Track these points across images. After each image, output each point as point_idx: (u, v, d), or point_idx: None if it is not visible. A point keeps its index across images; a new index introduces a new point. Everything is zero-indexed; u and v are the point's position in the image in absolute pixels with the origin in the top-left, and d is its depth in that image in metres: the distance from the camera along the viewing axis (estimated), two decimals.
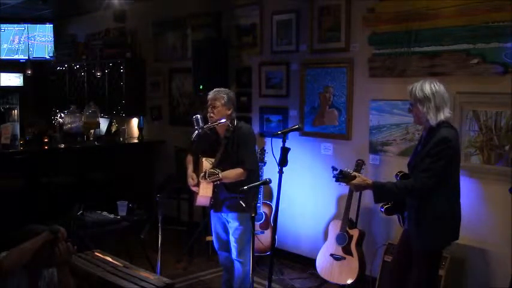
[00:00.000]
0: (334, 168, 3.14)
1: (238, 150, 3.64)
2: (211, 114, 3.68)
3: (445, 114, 3.00)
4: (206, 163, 3.65)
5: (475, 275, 3.84)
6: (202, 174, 3.58)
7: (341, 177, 3.11)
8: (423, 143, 3.09)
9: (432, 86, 3.01)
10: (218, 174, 3.54)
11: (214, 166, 3.62)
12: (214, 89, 3.76)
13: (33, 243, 2.67)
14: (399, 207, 3.20)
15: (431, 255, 3.12)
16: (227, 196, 3.62)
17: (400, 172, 3.24)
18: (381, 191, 3.09)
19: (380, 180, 3.25)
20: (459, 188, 3.10)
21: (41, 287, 2.80)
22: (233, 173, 3.59)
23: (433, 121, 2.98)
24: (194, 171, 3.76)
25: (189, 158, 3.85)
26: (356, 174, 3.14)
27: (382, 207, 3.23)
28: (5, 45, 8.16)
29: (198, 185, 3.68)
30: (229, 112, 3.68)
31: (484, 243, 3.80)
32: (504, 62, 3.63)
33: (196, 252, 5.30)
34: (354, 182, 3.10)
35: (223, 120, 3.63)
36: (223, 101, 3.66)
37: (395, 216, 3.32)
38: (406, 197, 3.08)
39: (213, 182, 3.56)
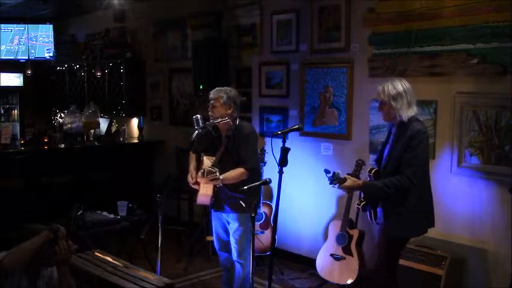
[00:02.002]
0: (327, 171, 3.24)
1: (239, 149, 3.64)
2: (211, 113, 3.68)
3: (414, 110, 3.17)
4: (207, 161, 3.64)
5: (475, 275, 3.83)
6: (200, 172, 3.57)
7: (335, 179, 3.23)
8: (394, 139, 3.20)
9: (403, 83, 3.17)
10: (215, 172, 3.51)
11: (214, 164, 3.61)
12: (216, 88, 3.76)
13: (33, 243, 2.66)
14: (373, 202, 3.30)
15: (398, 242, 3.27)
16: (228, 195, 3.62)
17: (372, 169, 3.34)
18: (371, 191, 3.22)
19: (370, 181, 3.32)
20: (429, 176, 3.23)
21: (41, 286, 2.80)
22: (234, 174, 3.57)
23: (405, 117, 3.13)
24: (196, 169, 3.75)
25: (192, 156, 3.85)
26: (346, 176, 3.25)
27: (358, 204, 3.33)
28: (4, 46, 8.16)
29: (197, 183, 3.67)
30: (229, 111, 3.67)
31: (484, 243, 3.80)
32: (504, 62, 3.63)
33: (196, 252, 5.30)
34: (345, 184, 3.23)
35: (226, 119, 3.63)
36: (222, 101, 3.66)
37: None
38: (395, 194, 3.14)
39: (212, 181, 3.52)
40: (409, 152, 3.06)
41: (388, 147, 3.26)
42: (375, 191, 3.18)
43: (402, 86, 3.15)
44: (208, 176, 3.50)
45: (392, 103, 3.14)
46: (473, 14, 3.76)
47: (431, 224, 3.28)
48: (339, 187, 3.28)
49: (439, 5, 3.96)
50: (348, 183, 3.22)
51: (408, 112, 3.13)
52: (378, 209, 3.27)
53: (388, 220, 3.21)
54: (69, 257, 2.81)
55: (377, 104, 4.35)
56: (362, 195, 3.36)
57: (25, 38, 8.20)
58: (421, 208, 3.17)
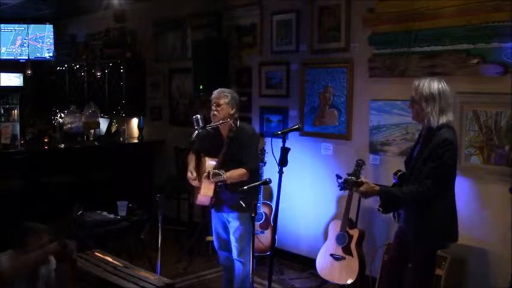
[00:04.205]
0: (338, 177, 3.11)
1: (241, 151, 3.64)
2: (215, 112, 3.67)
3: (448, 117, 2.94)
4: (209, 163, 3.63)
5: (475, 275, 3.84)
6: (205, 174, 3.56)
7: (345, 186, 3.09)
8: (423, 143, 3.05)
9: (441, 85, 2.94)
10: (222, 175, 3.51)
11: (217, 167, 3.61)
12: (219, 89, 3.77)
13: (40, 256, 2.66)
14: (391, 209, 3.18)
15: (429, 255, 3.12)
16: (228, 196, 3.62)
17: (398, 171, 3.21)
18: (388, 198, 3.07)
19: (385, 186, 3.20)
20: (454, 188, 3.08)
21: (39, 286, 2.80)
22: (236, 173, 3.57)
23: (434, 123, 2.92)
24: (196, 169, 3.75)
25: (191, 156, 3.85)
26: (364, 180, 3.10)
27: (380, 206, 3.17)
28: (4, 47, 8.16)
29: (198, 179, 3.66)
30: (232, 112, 3.68)
31: (484, 243, 3.80)
32: (504, 62, 3.63)
33: (196, 252, 5.30)
34: (361, 189, 3.06)
35: (227, 121, 3.64)
36: (227, 100, 3.67)
37: None
38: (413, 202, 3.02)
39: (217, 182, 3.54)
40: (432, 160, 2.87)
41: (417, 149, 3.10)
42: (392, 199, 3.03)
43: (439, 89, 2.90)
44: (214, 178, 3.51)
45: (423, 104, 2.91)
46: (473, 14, 3.76)
47: (455, 237, 3.09)
48: (355, 191, 3.16)
49: (439, 5, 3.96)
50: (364, 188, 3.04)
51: (439, 119, 2.90)
52: (401, 211, 3.15)
53: (410, 229, 3.08)
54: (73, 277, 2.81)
55: (377, 104, 4.40)
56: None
57: (25, 38, 8.20)
58: (445, 218, 3.00)
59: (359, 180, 3.14)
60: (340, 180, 3.10)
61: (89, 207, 4.80)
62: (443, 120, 2.93)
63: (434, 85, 2.93)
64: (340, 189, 3.15)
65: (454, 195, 3.06)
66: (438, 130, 2.92)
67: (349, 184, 3.09)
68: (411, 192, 2.93)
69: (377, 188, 3.08)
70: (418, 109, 2.98)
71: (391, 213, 3.25)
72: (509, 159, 3.65)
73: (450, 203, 3.03)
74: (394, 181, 3.22)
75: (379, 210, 3.20)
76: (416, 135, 3.88)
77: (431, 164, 2.89)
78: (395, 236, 3.35)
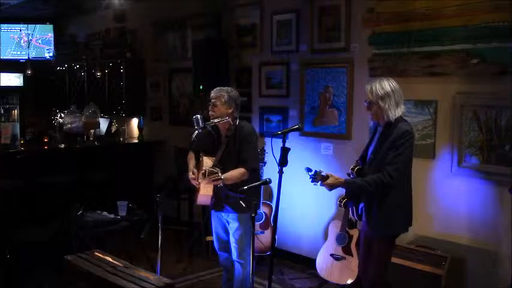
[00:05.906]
0: (309, 169, 3.23)
1: (240, 149, 3.62)
2: (212, 113, 3.68)
3: (402, 109, 3.18)
4: (207, 161, 3.62)
5: (475, 275, 3.84)
6: (202, 172, 3.55)
7: (316, 177, 3.22)
8: (381, 138, 3.21)
9: (390, 83, 3.18)
10: (218, 173, 3.47)
11: (215, 164, 3.59)
12: (216, 88, 3.76)
13: None
14: (353, 199, 3.34)
15: (389, 241, 3.27)
16: (228, 195, 3.61)
17: (354, 167, 3.34)
18: (353, 188, 3.23)
19: (352, 178, 3.32)
20: (411, 176, 3.25)
21: None
22: (235, 173, 3.55)
23: (393, 117, 3.14)
24: (196, 168, 3.74)
25: (191, 155, 3.84)
26: (329, 174, 3.24)
27: (340, 201, 3.37)
28: (5, 47, 8.16)
29: (198, 179, 3.66)
30: (230, 111, 3.66)
31: (484, 243, 3.80)
32: (504, 62, 3.63)
33: (196, 252, 5.31)
34: (328, 182, 3.23)
35: (226, 119, 3.63)
36: (223, 100, 3.65)
37: None
38: (376, 191, 3.15)
39: (214, 181, 3.50)
40: (393, 151, 3.09)
41: (373, 145, 3.28)
42: (356, 188, 3.19)
43: (390, 86, 3.15)
44: (210, 176, 3.47)
45: (380, 103, 3.14)
46: (473, 14, 3.77)
47: (411, 223, 3.28)
48: (322, 184, 3.27)
49: (439, 5, 3.97)
50: (330, 180, 3.21)
51: (396, 112, 3.14)
52: (360, 205, 3.29)
53: (371, 217, 3.22)
54: None
55: None
56: (344, 192, 3.41)
57: (25, 38, 8.20)
58: (403, 205, 3.20)
59: (325, 174, 3.25)
60: (311, 173, 3.21)
61: (89, 207, 4.79)
62: (399, 112, 3.16)
63: (386, 84, 3.16)
64: (312, 181, 3.24)
65: (409, 183, 3.24)
66: (396, 123, 3.14)
67: (318, 176, 3.22)
68: (374, 180, 3.11)
69: (342, 179, 3.25)
70: (377, 109, 3.20)
71: (350, 212, 3.40)
72: (509, 159, 3.65)
73: (405, 190, 3.22)
74: (351, 176, 3.34)
75: (340, 205, 3.44)
76: (416, 135, 3.90)
77: (392, 154, 3.10)
78: (362, 236, 3.46)
